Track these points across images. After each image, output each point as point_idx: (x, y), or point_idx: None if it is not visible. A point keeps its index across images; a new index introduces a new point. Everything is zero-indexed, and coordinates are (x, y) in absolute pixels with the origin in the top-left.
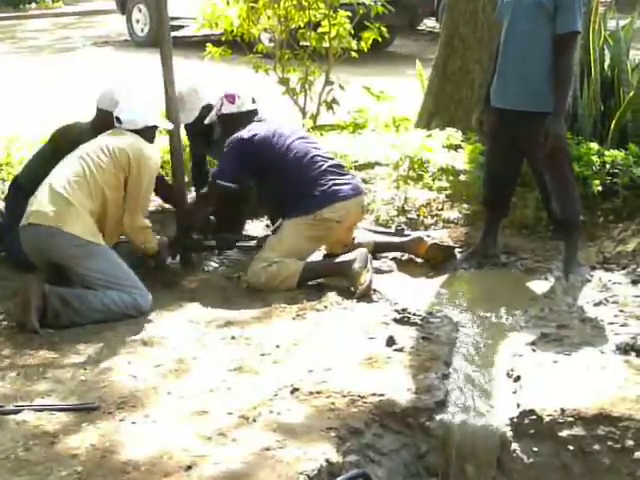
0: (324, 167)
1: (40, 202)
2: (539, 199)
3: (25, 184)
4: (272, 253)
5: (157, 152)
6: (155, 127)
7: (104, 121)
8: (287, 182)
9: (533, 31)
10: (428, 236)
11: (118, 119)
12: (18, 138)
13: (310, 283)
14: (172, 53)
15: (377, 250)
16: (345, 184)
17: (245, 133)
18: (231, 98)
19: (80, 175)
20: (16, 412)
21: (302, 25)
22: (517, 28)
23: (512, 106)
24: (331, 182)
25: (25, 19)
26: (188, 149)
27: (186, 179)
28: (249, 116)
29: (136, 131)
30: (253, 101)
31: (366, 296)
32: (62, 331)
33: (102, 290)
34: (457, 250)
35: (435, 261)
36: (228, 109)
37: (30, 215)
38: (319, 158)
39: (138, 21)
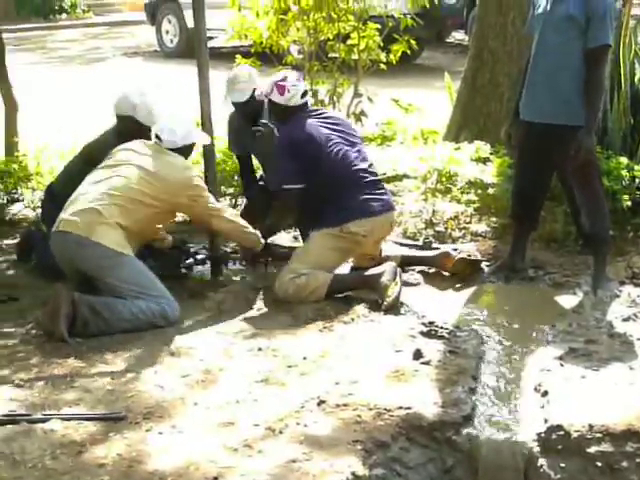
0: (359, 180)
1: (72, 211)
2: (568, 213)
3: (59, 193)
4: (300, 264)
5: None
6: (193, 144)
7: (126, 127)
8: (322, 188)
9: (564, 44)
10: (455, 250)
11: (158, 137)
12: (48, 148)
13: (338, 295)
14: (208, 63)
15: (404, 264)
16: (376, 200)
17: (295, 131)
18: (281, 89)
19: (114, 189)
20: (44, 421)
21: (331, 37)
22: (548, 41)
23: (542, 119)
24: (362, 196)
25: (55, 29)
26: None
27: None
28: (296, 110)
29: (175, 149)
30: (304, 95)
31: (393, 309)
32: (90, 340)
33: (130, 299)
34: (484, 263)
35: (462, 275)
36: (276, 98)
37: (61, 222)
38: (356, 170)
39: (168, 32)
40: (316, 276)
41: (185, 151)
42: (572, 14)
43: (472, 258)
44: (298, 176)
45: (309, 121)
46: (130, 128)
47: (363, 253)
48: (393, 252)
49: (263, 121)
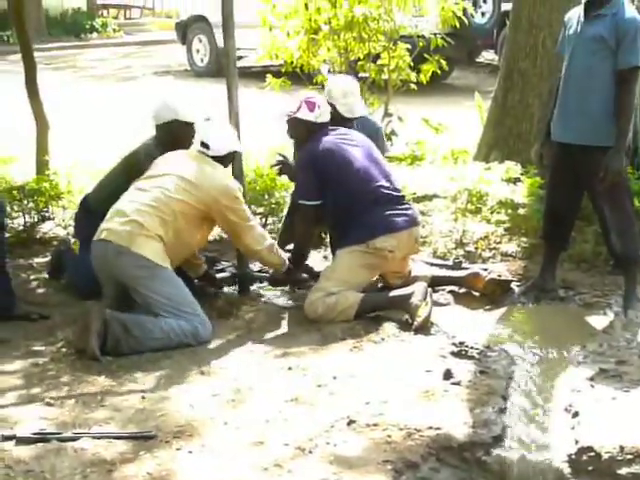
0: (382, 196)
1: (114, 221)
2: (598, 233)
3: (94, 207)
4: (328, 283)
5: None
6: (235, 152)
7: (171, 132)
8: (345, 205)
9: (594, 65)
10: (485, 269)
11: (205, 145)
12: (79, 166)
13: (367, 315)
14: (237, 83)
15: (434, 284)
16: (400, 215)
17: (317, 147)
18: (311, 105)
19: (156, 201)
20: (74, 439)
21: (362, 57)
22: (578, 62)
23: (573, 140)
24: (386, 212)
25: (86, 48)
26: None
27: None
28: (322, 127)
29: (218, 157)
30: (330, 113)
31: (424, 329)
32: (120, 359)
33: (161, 317)
34: (515, 284)
35: (493, 295)
36: (305, 115)
37: (102, 232)
38: (380, 186)
39: (198, 51)
40: (346, 296)
41: (227, 159)
42: (603, 36)
43: (502, 278)
44: (317, 192)
45: (330, 138)
46: (175, 133)
47: (391, 270)
48: (423, 272)
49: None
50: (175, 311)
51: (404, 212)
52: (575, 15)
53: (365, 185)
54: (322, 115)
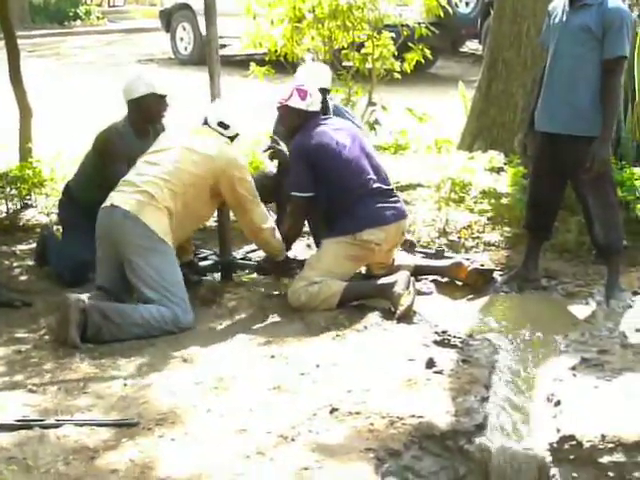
0: (372, 189)
1: (123, 190)
2: (582, 223)
3: (76, 191)
4: (312, 272)
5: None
6: (238, 135)
7: (148, 106)
8: (335, 197)
9: (580, 55)
10: (468, 259)
11: (224, 125)
12: (62, 154)
13: (351, 304)
14: (220, 71)
15: (417, 273)
16: (389, 208)
17: (310, 140)
18: (303, 93)
19: (167, 174)
20: (57, 426)
21: (346, 46)
22: (564, 52)
23: (559, 130)
24: (375, 205)
25: (70, 36)
26: None
27: None
28: (313, 116)
29: (230, 137)
30: (321, 102)
31: (407, 318)
32: (102, 346)
33: (141, 305)
34: (497, 273)
35: (475, 285)
36: (296, 104)
37: (113, 197)
38: (370, 178)
39: (182, 39)
40: (329, 285)
41: (234, 139)
42: (589, 26)
43: (485, 268)
44: (309, 184)
45: (322, 129)
46: (149, 106)
47: (376, 262)
48: (406, 261)
49: (273, 139)
50: (162, 290)
51: (393, 205)
52: (560, 4)
53: (356, 178)
54: (313, 104)
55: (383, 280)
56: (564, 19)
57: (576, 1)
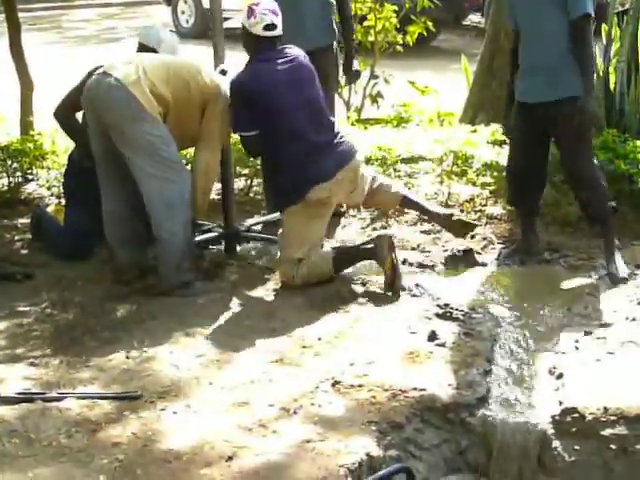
0: (311, 148)
1: (117, 63)
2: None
3: (78, 157)
4: (289, 250)
5: None
6: None
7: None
8: (275, 159)
9: (547, 25)
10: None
11: (224, 72)
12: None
13: (351, 277)
14: (223, 43)
15: (403, 205)
16: (329, 159)
17: (247, 77)
18: (250, 12)
19: (163, 63)
20: (59, 399)
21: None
22: (531, 25)
23: (542, 98)
24: (315, 163)
25: (71, 9)
26: None
27: None
28: (261, 43)
29: None
30: (270, 28)
31: (394, 286)
32: (105, 320)
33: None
34: (501, 247)
35: (457, 235)
36: (243, 20)
37: (104, 68)
38: (309, 138)
39: (183, 12)
40: (316, 263)
41: None
42: None
43: (469, 220)
44: (250, 124)
45: (266, 68)
46: None
47: (347, 204)
48: (394, 189)
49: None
50: (153, 154)
51: (332, 157)
52: None
53: (294, 140)
54: (257, 25)
55: (367, 244)
56: None
57: None
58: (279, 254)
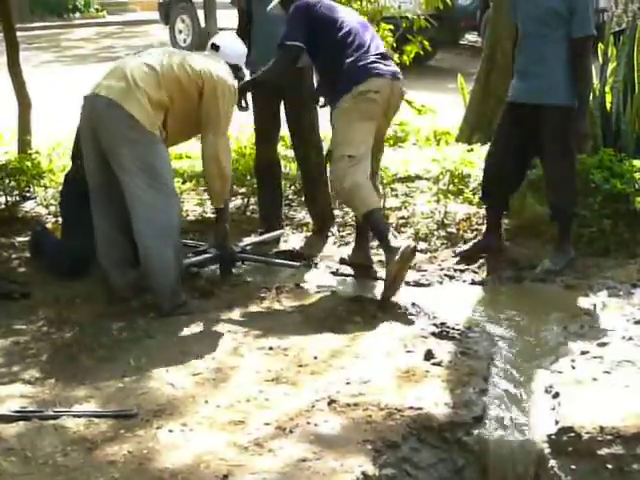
0: (368, 50)
1: (109, 78)
2: (580, 216)
3: (73, 176)
4: (341, 148)
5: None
6: (238, 68)
7: None
8: (333, 57)
9: (548, 35)
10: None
11: (215, 46)
12: (61, 145)
13: (348, 295)
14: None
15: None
16: (384, 65)
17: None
18: None
19: (156, 64)
20: (55, 418)
21: None
22: (532, 32)
23: (531, 100)
24: (370, 61)
25: (69, 28)
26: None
27: None
28: None
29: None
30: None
31: (391, 289)
32: (101, 338)
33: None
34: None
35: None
36: None
37: (96, 86)
38: (367, 42)
39: (181, 31)
40: (369, 193)
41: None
42: (555, 8)
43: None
44: (302, 36)
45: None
46: None
47: (379, 125)
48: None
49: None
50: (150, 181)
51: (387, 64)
52: None
53: (353, 41)
54: None
55: (392, 240)
56: (533, 1)
57: None
58: (333, 156)
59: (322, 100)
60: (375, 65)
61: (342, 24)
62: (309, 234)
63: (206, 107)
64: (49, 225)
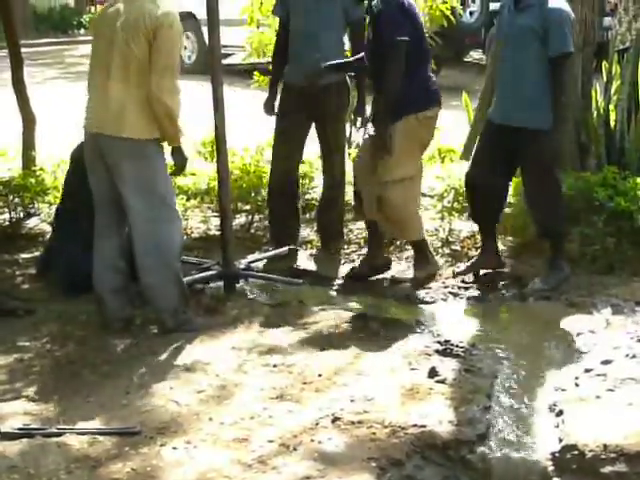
0: (430, 73)
1: (97, 107)
2: (584, 234)
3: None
4: (400, 171)
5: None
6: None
7: None
8: (409, 68)
9: (525, 54)
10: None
11: None
12: (65, 162)
13: (353, 313)
14: (222, 81)
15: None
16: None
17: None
18: None
19: (119, 63)
20: (59, 435)
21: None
22: (511, 50)
23: (505, 121)
24: (436, 86)
25: (74, 44)
26: None
27: None
28: None
29: None
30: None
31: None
32: (105, 354)
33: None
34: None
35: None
36: None
37: (91, 120)
38: (429, 63)
39: (185, 48)
40: (420, 216)
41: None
42: (532, 26)
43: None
44: (408, 31)
45: None
46: None
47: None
48: None
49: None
50: (151, 196)
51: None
52: (507, 4)
53: (425, 62)
54: None
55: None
56: (510, 20)
57: (519, 2)
58: (386, 175)
59: (359, 121)
60: (438, 92)
61: (421, 29)
62: (313, 251)
63: (156, 47)
64: None
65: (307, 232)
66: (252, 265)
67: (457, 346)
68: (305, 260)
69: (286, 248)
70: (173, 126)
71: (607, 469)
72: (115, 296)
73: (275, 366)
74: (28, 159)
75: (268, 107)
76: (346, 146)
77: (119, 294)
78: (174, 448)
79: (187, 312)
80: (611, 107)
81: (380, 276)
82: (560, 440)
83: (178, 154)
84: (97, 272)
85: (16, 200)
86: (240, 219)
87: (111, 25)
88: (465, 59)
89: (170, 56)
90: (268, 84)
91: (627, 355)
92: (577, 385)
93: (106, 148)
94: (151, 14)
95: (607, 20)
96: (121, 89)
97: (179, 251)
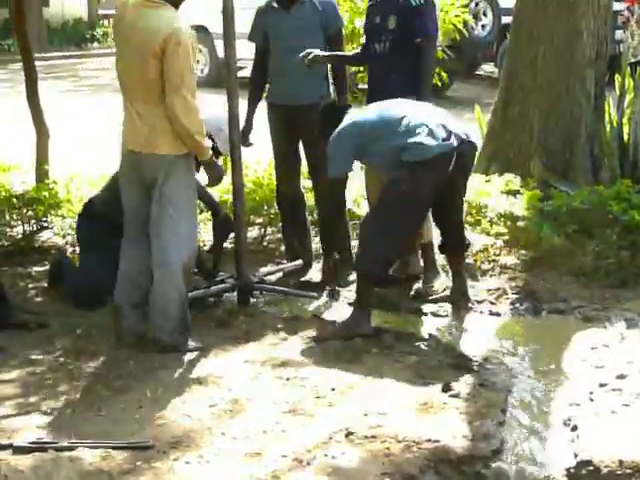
0: None
1: (129, 126)
2: (598, 247)
3: (99, 210)
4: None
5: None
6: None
7: None
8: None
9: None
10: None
11: None
12: (78, 175)
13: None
14: (238, 93)
15: None
16: None
17: None
18: None
19: (138, 84)
20: (71, 449)
21: (362, 68)
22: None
23: None
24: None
25: (87, 58)
26: None
27: None
28: None
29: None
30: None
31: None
32: (118, 369)
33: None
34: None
35: None
36: None
37: (128, 141)
38: None
39: (198, 62)
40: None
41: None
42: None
43: None
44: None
45: None
46: None
47: None
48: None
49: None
50: (174, 212)
51: None
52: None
53: None
54: None
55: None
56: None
57: None
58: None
59: None
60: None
61: None
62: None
63: (165, 66)
64: (68, 255)
65: (320, 245)
66: (266, 278)
67: (471, 360)
68: (319, 273)
69: (300, 261)
70: (193, 143)
71: None
72: (133, 310)
73: (288, 380)
74: (42, 172)
75: (245, 138)
76: None
77: (137, 309)
78: (187, 462)
79: (185, 335)
80: (624, 120)
81: (395, 288)
82: (575, 455)
83: (209, 167)
84: (120, 285)
85: (29, 213)
86: (252, 232)
87: (123, 46)
88: (477, 72)
89: (181, 74)
90: (246, 113)
91: None
92: (592, 400)
93: (140, 165)
94: (158, 33)
95: (619, 33)
96: (146, 109)
97: (189, 276)
